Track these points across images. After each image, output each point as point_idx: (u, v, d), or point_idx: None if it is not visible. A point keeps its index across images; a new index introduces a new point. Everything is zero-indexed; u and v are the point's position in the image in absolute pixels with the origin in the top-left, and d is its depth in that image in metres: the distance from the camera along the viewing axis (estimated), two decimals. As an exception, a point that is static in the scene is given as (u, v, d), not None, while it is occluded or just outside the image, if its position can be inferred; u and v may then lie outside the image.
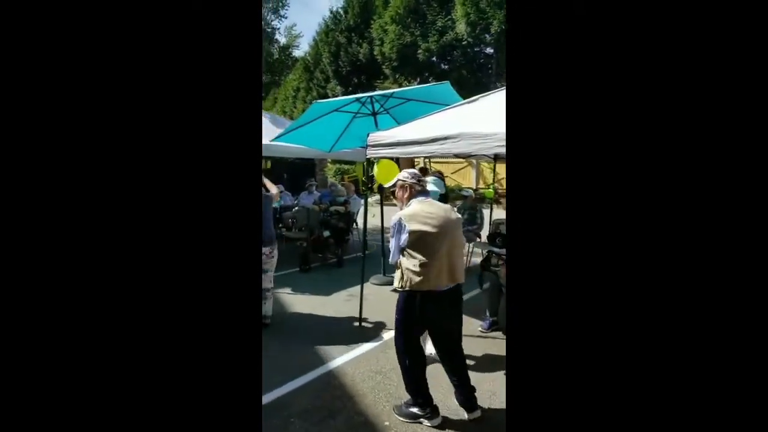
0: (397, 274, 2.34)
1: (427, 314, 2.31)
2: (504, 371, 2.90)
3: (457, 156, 4.39)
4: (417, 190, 2.41)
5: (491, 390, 2.69)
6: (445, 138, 3.08)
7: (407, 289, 2.28)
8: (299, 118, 5.01)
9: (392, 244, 2.39)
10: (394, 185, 2.50)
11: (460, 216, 2.38)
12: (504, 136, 2.83)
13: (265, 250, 3.53)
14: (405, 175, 2.45)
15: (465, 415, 2.40)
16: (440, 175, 3.75)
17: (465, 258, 2.33)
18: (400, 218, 2.30)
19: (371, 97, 4.96)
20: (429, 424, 2.35)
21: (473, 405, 2.41)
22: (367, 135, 3.61)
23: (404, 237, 2.28)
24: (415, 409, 2.39)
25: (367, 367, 3.02)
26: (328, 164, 16.31)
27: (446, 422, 2.38)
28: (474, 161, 13.84)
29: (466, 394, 2.42)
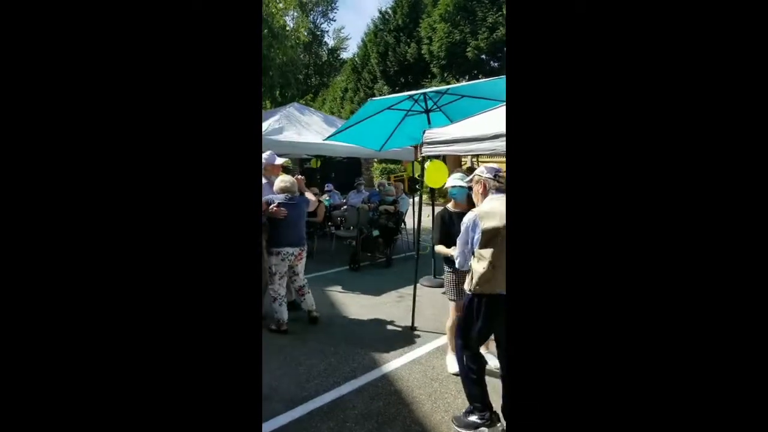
0: (467, 277, 2.25)
1: (493, 320, 2.17)
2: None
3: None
4: (494, 185, 2.26)
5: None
6: (505, 135, 2.91)
7: (476, 292, 2.16)
8: (353, 116, 4.98)
9: (459, 245, 2.27)
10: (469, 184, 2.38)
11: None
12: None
13: (296, 251, 3.50)
14: (482, 169, 2.33)
15: None
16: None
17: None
18: (475, 216, 2.17)
19: (424, 94, 4.84)
20: None
21: None
22: (422, 132, 3.50)
23: (476, 236, 2.15)
24: (474, 417, 2.26)
25: (422, 373, 2.91)
26: (375, 163, 16.35)
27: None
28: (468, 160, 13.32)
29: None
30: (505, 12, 14.70)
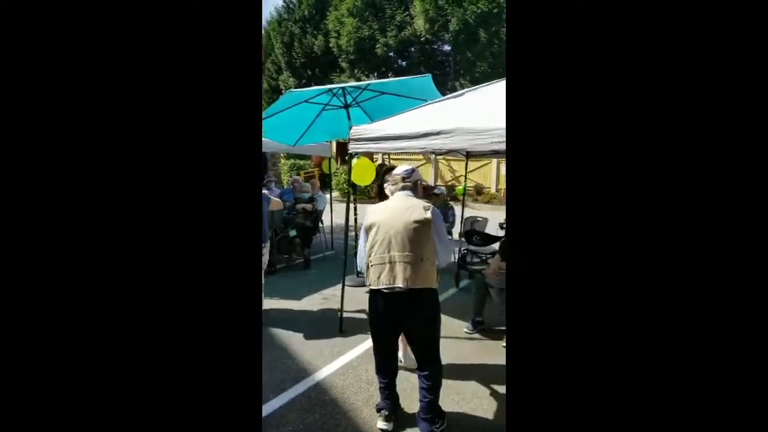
0: None
1: (377, 315, 2.20)
2: (494, 377, 2.82)
3: (448, 152, 4.27)
4: (393, 187, 2.30)
5: (489, 396, 2.59)
6: (438, 133, 2.93)
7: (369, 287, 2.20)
8: (269, 108, 4.64)
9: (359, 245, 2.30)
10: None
11: (424, 215, 2.11)
12: (502, 132, 2.74)
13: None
14: (396, 170, 2.34)
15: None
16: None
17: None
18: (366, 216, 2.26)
19: (343, 88, 4.71)
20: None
21: None
22: (349, 128, 3.38)
23: (362, 234, 2.25)
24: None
25: (356, 377, 2.81)
26: (282, 159, 15.69)
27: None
28: (431, 158, 13.91)
29: (425, 418, 2.17)
30: (413, 12, 15.12)
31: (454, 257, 4.80)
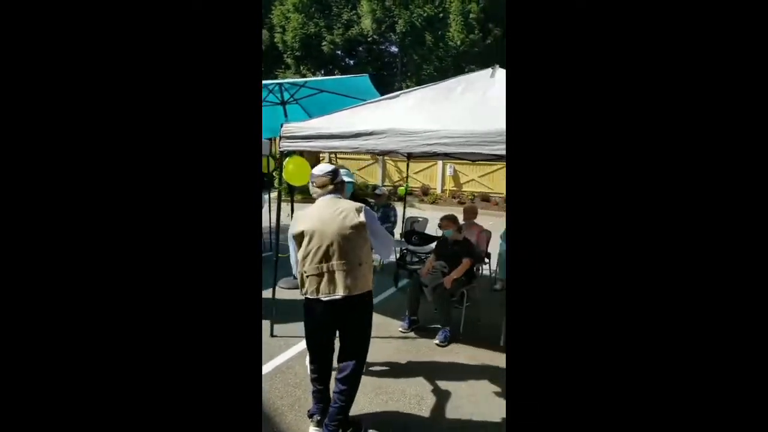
0: None
1: (313, 326, 2.16)
2: (426, 375, 2.86)
3: (381, 153, 4.27)
4: (325, 189, 2.16)
5: (418, 395, 2.61)
6: (371, 133, 2.93)
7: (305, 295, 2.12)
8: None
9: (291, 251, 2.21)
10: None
11: (358, 219, 2.04)
12: (433, 134, 2.78)
13: None
14: (316, 171, 2.23)
15: None
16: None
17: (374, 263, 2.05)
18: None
19: (280, 84, 4.58)
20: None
21: None
22: (280, 126, 3.29)
23: (291, 242, 2.16)
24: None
25: (283, 381, 2.74)
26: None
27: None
28: (380, 158, 13.97)
29: (332, 424, 2.11)
30: (361, 11, 15.08)
31: (395, 254, 4.83)
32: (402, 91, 3.56)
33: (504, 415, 2.45)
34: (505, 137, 2.61)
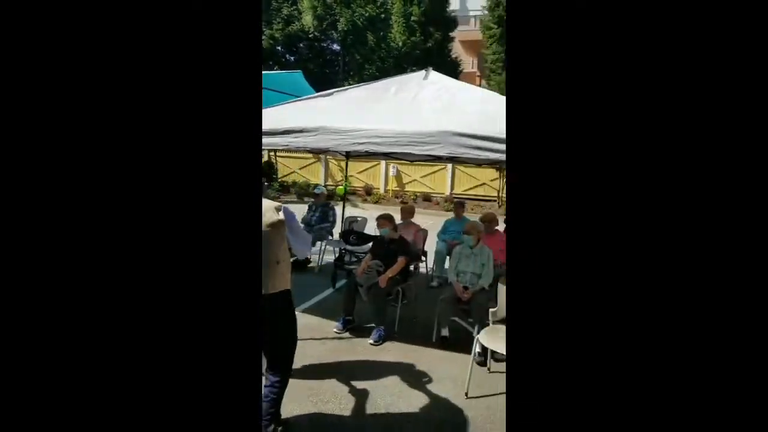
0: None
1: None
2: (359, 375, 2.86)
3: (311, 151, 4.20)
4: None
5: (349, 395, 2.60)
6: (301, 131, 2.87)
7: None
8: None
9: None
10: None
11: (276, 217, 2.00)
12: (364, 133, 2.77)
13: None
14: None
15: None
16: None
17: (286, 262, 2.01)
18: None
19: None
20: None
21: None
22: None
23: None
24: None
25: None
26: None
27: None
28: (322, 157, 13.80)
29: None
30: (301, 7, 14.80)
31: (333, 254, 4.78)
32: (335, 90, 3.53)
33: (433, 411, 2.51)
34: (435, 138, 2.67)
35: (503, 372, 2.95)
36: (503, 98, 3.75)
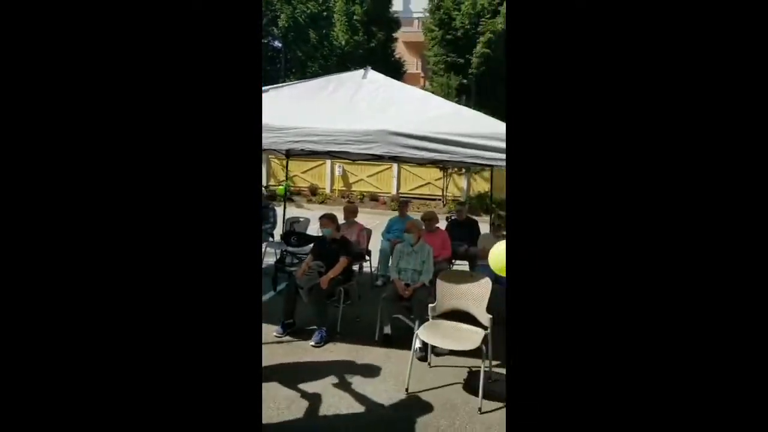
0: None
1: None
2: (299, 377, 2.80)
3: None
4: None
5: (289, 397, 2.54)
6: (234, 129, 2.76)
7: None
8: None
9: None
10: None
11: None
12: (300, 131, 2.72)
13: None
14: None
15: None
16: None
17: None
18: None
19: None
20: None
21: None
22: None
23: None
24: None
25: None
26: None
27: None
28: (263, 156, 13.40)
29: None
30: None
31: (275, 255, 4.66)
32: (272, 86, 3.43)
33: (375, 408, 2.51)
34: (372, 137, 2.68)
35: (443, 366, 3.02)
36: (442, 99, 3.84)
